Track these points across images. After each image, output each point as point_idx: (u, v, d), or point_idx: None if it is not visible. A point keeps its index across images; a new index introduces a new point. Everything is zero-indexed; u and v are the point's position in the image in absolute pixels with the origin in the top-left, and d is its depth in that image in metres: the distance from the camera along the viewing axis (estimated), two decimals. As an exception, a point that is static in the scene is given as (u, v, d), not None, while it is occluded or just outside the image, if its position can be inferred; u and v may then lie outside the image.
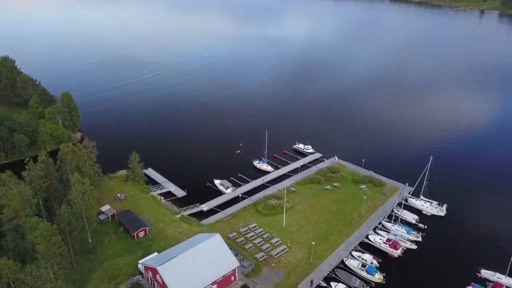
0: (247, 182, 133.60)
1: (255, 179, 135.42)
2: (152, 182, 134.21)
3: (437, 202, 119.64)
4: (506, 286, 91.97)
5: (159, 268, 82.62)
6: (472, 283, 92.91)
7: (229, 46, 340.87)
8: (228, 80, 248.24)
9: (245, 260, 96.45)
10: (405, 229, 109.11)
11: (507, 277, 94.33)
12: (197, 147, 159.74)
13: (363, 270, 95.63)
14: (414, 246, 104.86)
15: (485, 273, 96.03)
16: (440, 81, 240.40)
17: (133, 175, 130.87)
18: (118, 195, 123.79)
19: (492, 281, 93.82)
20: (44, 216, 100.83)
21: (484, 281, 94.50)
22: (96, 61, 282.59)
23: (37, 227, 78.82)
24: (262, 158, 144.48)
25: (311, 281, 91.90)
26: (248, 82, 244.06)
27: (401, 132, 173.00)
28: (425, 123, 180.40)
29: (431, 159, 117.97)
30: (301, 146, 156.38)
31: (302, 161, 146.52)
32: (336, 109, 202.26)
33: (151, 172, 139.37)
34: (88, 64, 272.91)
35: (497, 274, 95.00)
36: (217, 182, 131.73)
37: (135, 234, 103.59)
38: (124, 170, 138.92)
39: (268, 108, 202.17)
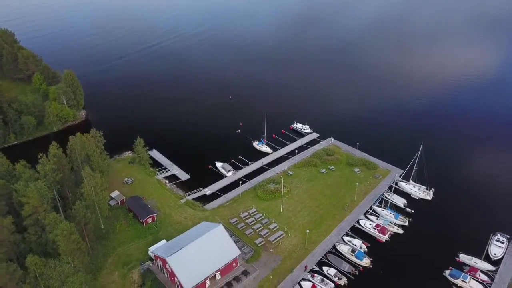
0: (247, 164, 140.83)
1: (254, 161, 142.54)
2: (157, 164, 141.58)
3: (425, 187, 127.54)
4: (480, 270, 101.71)
5: (168, 259, 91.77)
6: (451, 267, 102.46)
7: (229, 9, 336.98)
8: (228, 51, 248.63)
9: (245, 247, 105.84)
10: (393, 214, 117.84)
11: (483, 261, 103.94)
12: (199, 126, 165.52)
13: (352, 255, 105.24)
14: (400, 231, 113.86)
15: (463, 257, 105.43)
16: (437, 65, 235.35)
17: (138, 158, 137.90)
18: (126, 179, 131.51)
19: (469, 265, 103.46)
20: (59, 205, 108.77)
21: (462, 265, 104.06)
22: (94, 32, 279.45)
23: (57, 227, 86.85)
24: (261, 139, 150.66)
25: (305, 267, 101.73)
26: (248, 55, 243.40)
27: (396, 112, 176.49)
28: (420, 105, 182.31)
29: (421, 147, 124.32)
30: (299, 126, 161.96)
31: (300, 142, 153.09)
32: (336, 85, 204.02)
33: (155, 154, 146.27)
34: (86, 36, 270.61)
35: (474, 258, 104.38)
36: (218, 165, 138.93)
37: (144, 220, 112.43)
38: (129, 152, 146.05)
39: (268, 83, 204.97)
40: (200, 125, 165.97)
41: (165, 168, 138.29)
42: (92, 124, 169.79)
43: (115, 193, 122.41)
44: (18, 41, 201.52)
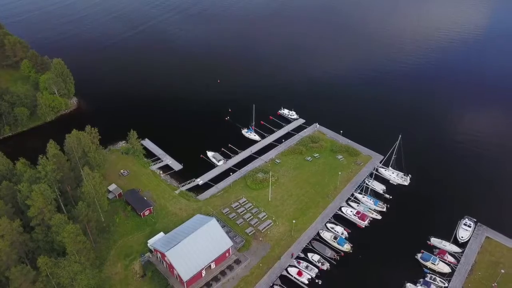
0: (236, 153, 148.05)
1: (244, 149, 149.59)
2: (150, 154, 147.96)
3: (403, 173, 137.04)
4: (448, 252, 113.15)
5: (167, 254, 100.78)
6: (423, 250, 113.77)
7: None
8: (214, 31, 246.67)
9: (237, 237, 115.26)
10: (372, 201, 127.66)
11: (451, 244, 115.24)
12: (189, 112, 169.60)
13: (334, 241, 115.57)
14: (379, 217, 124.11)
15: (434, 240, 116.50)
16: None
17: (132, 150, 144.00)
18: (122, 171, 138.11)
19: (439, 248, 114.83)
20: (60, 201, 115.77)
21: (433, 248, 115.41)
22: (78, 16, 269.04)
23: (64, 229, 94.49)
24: (250, 127, 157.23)
25: (292, 254, 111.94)
26: (235, 34, 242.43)
27: (379, 96, 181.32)
28: (401, 93, 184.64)
29: (400, 138, 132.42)
30: (285, 111, 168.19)
31: (286, 129, 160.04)
32: (322, 70, 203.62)
33: (148, 143, 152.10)
34: (70, 21, 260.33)
35: (443, 241, 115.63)
36: (210, 154, 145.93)
37: (141, 213, 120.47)
38: (123, 142, 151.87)
39: (256, 64, 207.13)
40: (190, 111, 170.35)
41: (159, 159, 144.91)
42: (84, 112, 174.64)
43: (112, 187, 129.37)
44: (3, 25, 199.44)
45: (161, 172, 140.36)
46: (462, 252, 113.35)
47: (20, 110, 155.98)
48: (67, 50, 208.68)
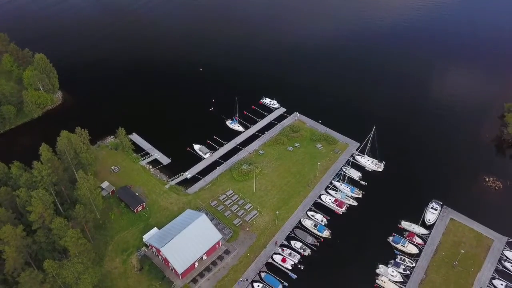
0: (222, 145, 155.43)
1: (228, 141, 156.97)
2: (138, 148, 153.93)
3: (377, 160, 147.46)
4: (416, 235, 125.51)
5: (162, 249, 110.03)
6: (394, 234, 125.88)
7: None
8: (195, 19, 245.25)
9: (225, 228, 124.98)
10: (349, 188, 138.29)
11: (419, 227, 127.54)
12: (173, 103, 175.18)
13: (315, 228, 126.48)
14: (355, 203, 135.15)
15: (404, 224, 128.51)
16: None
17: (121, 146, 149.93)
18: (112, 167, 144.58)
19: (408, 231, 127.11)
20: (57, 202, 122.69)
21: (403, 231, 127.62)
22: (56, 7, 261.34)
23: (66, 233, 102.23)
24: (234, 118, 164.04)
25: (276, 242, 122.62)
26: (216, 21, 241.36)
27: (355, 85, 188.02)
28: (378, 84, 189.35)
29: (374, 129, 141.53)
30: (267, 101, 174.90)
31: (269, 118, 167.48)
32: (304, 58, 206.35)
33: (136, 138, 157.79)
34: (48, 13, 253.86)
35: (412, 225, 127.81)
36: (196, 147, 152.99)
37: (135, 209, 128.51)
38: (111, 137, 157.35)
39: (237, 53, 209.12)
40: (174, 103, 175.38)
41: (147, 153, 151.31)
42: (69, 106, 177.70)
43: (105, 184, 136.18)
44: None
45: (151, 167, 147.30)
46: (429, 234, 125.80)
47: (7, 108, 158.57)
48: (46, 42, 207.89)
